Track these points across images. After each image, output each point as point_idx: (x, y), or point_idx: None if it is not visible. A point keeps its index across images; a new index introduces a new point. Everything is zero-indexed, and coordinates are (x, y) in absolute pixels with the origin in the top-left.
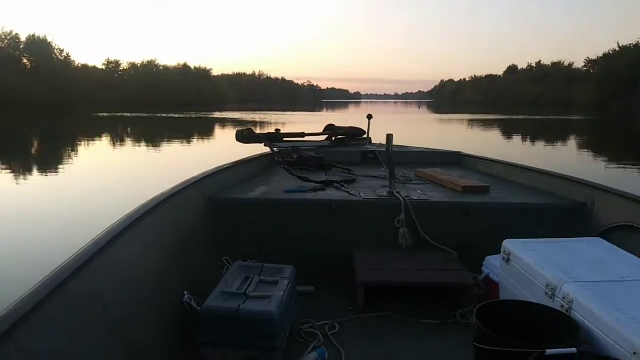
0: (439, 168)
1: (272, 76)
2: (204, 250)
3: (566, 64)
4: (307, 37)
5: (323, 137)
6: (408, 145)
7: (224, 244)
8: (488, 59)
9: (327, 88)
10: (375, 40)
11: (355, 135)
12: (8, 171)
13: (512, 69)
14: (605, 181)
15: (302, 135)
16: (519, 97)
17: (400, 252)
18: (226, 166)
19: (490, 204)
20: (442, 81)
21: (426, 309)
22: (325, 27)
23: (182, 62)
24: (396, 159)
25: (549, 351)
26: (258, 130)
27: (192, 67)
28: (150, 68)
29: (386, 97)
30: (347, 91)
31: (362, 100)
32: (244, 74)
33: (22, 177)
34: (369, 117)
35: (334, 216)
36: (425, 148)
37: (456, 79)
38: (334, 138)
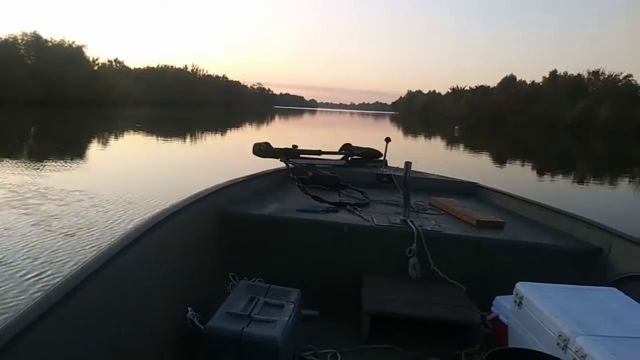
0: (453, 198)
1: (212, 73)
2: (210, 264)
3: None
4: (263, 38)
5: (339, 156)
6: (423, 171)
7: (232, 259)
8: (462, 72)
9: (281, 93)
10: (334, 48)
11: (371, 156)
12: None
13: (509, 81)
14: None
15: (319, 152)
16: (550, 116)
17: (409, 282)
18: (240, 179)
19: (504, 240)
20: (409, 92)
21: (431, 344)
22: (283, 30)
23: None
24: (411, 184)
25: None
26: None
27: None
28: None
29: (342, 106)
30: (303, 98)
31: (318, 109)
32: (171, 67)
33: None
34: (387, 140)
35: (345, 240)
36: (440, 176)
37: (424, 91)
38: (349, 158)
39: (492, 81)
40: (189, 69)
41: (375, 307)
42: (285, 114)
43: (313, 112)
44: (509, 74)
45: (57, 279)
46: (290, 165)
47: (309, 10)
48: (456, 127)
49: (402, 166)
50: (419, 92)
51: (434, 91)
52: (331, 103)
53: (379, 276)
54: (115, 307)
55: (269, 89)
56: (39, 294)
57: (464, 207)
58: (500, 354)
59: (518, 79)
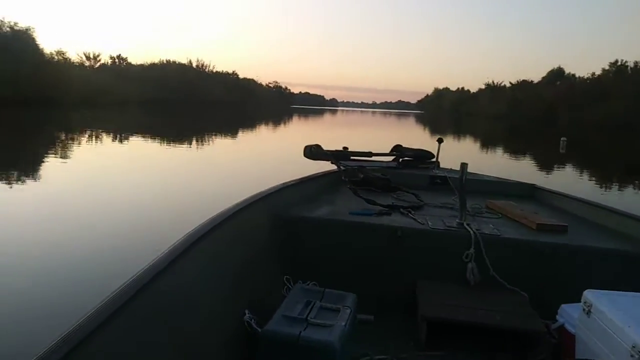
0: (511, 200)
1: (221, 70)
2: (265, 267)
3: None
4: (282, 36)
5: (390, 158)
6: (477, 173)
7: (285, 262)
8: (494, 68)
9: (300, 92)
10: (355, 46)
11: (423, 158)
12: None
13: (556, 74)
14: None
15: (370, 154)
16: (623, 115)
17: (467, 288)
18: (292, 182)
19: (568, 245)
20: (436, 89)
21: (492, 353)
22: (303, 28)
23: None
24: (466, 187)
25: None
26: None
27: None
28: None
29: (363, 105)
30: (323, 97)
31: (339, 108)
32: (174, 62)
33: None
34: (440, 140)
35: (399, 243)
36: (496, 177)
37: (452, 89)
38: (401, 159)
39: (532, 76)
40: (194, 65)
41: (432, 312)
42: (305, 113)
43: (334, 111)
44: (555, 66)
45: (122, 281)
46: (341, 167)
47: (330, 7)
48: (563, 140)
49: (455, 167)
50: (447, 89)
51: (463, 88)
52: (352, 102)
53: (435, 281)
54: (176, 310)
55: (286, 88)
56: (104, 296)
57: (523, 209)
58: None
59: (566, 72)
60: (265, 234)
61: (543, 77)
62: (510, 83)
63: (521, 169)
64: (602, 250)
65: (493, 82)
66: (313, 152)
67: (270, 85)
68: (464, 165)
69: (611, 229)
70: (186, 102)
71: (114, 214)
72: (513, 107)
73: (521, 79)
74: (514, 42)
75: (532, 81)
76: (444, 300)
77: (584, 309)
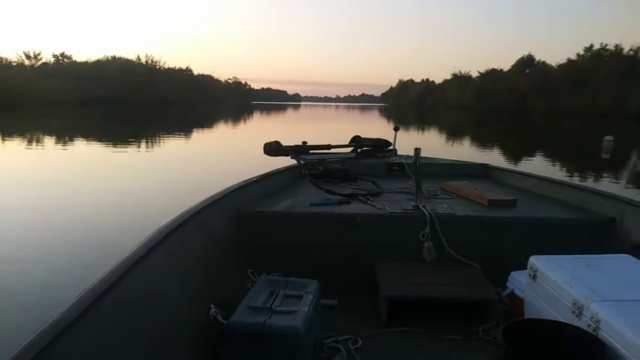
0: (465, 181)
1: (174, 66)
2: (230, 262)
3: None
4: (241, 31)
5: (349, 149)
6: (434, 157)
7: (250, 256)
8: (459, 58)
9: (262, 88)
10: (316, 41)
11: (381, 146)
12: None
13: (526, 62)
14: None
15: (328, 147)
16: (602, 104)
17: (425, 266)
18: (254, 179)
19: (516, 218)
20: (400, 81)
21: (449, 323)
22: (266, 26)
23: None
24: (422, 170)
25: None
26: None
27: None
28: None
29: (327, 99)
30: (285, 92)
31: (302, 103)
32: (119, 58)
33: None
34: (396, 129)
35: (359, 229)
36: (451, 160)
37: (417, 80)
38: (359, 150)
39: (501, 64)
40: (143, 61)
41: (392, 291)
42: (267, 109)
43: (297, 106)
44: (525, 54)
45: (90, 280)
46: (301, 161)
47: (291, 2)
48: (607, 140)
49: (412, 154)
50: (412, 81)
51: (428, 80)
52: (316, 97)
53: (394, 262)
54: (143, 307)
55: (246, 83)
56: (72, 295)
57: (477, 188)
58: (516, 326)
59: (537, 59)
60: (229, 230)
61: (512, 66)
62: (479, 72)
63: None
64: (546, 220)
65: (460, 72)
66: (273, 148)
67: (229, 81)
68: (417, 150)
69: (557, 200)
70: (134, 101)
71: (73, 218)
72: (481, 98)
73: (490, 68)
74: (479, 31)
75: (501, 69)
76: (403, 279)
77: (530, 274)
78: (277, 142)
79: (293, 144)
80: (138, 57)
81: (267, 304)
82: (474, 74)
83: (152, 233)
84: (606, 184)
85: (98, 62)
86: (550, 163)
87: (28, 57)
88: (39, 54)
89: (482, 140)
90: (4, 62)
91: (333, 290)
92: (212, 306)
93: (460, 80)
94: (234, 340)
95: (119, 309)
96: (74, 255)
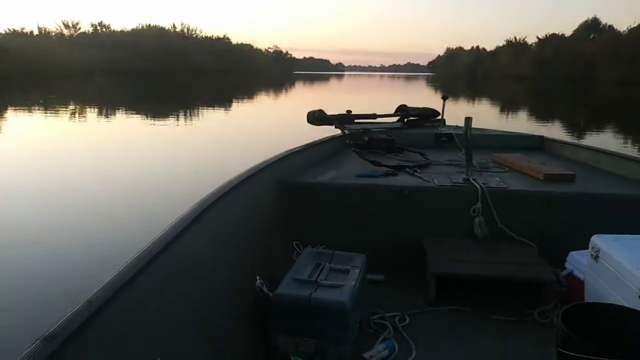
0: (519, 153)
1: (208, 35)
2: (274, 234)
3: None
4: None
5: (395, 119)
6: (485, 128)
7: (294, 228)
8: (505, 28)
9: (305, 57)
10: (360, 9)
11: (428, 116)
12: None
13: (591, 27)
14: None
15: (374, 116)
16: None
17: (476, 242)
18: (297, 149)
19: (575, 194)
20: (448, 49)
21: (502, 304)
22: None
23: None
24: (473, 142)
25: None
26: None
27: None
28: None
29: (371, 69)
30: (328, 61)
31: (346, 73)
32: (155, 26)
33: None
34: (444, 97)
35: (406, 203)
36: (504, 131)
37: (466, 48)
38: (406, 119)
39: (562, 29)
40: (179, 29)
41: (441, 268)
42: (309, 79)
43: (340, 76)
44: (590, 17)
45: (134, 252)
46: (345, 131)
47: None
48: None
49: (461, 124)
50: (461, 49)
51: (478, 47)
52: (359, 66)
53: (443, 237)
54: (188, 278)
55: (287, 52)
56: (118, 265)
57: (530, 161)
58: (577, 310)
59: (602, 22)
60: (272, 201)
61: (575, 31)
62: (538, 38)
63: None
64: (608, 196)
65: (515, 38)
66: (316, 117)
67: (269, 50)
68: (468, 120)
69: (618, 175)
70: (168, 71)
71: (119, 190)
72: (540, 67)
73: (549, 33)
74: None
75: (562, 35)
76: (453, 256)
77: (591, 254)
78: (320, 111)
79: (337, 113)
80: (173, 25)
81: (312, 277)
82: (530, 40)
83: (194, 204)
84: None
85: (133, 31)
86: (622, 140)
87: (67, 26)
88: (77, 24)
89: (539, 113)
90: (42, 32)
91: (380, 265)
92: (257, 278)
93: (515, 47)
94: (279, 313)
95: (163, 280)
96: (115, 230)
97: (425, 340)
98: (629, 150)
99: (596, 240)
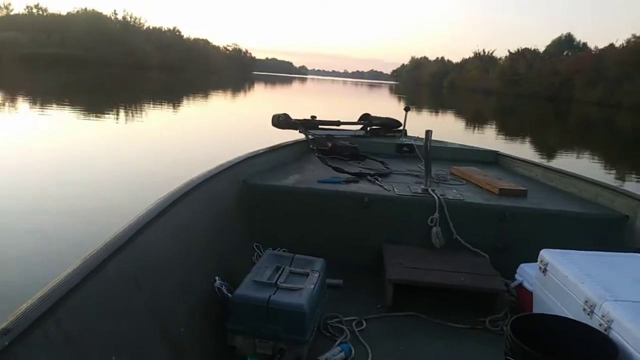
0: (475, 167)
1: (153, 27)
2: (235, 235)
3: None
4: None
5: (358, 127)
6: (443, 140)
7: (256, 230)
8: (473, 42)
9: (267, 58)
10: (325, 13)
11: (391, 126)
12: None
13: (563, 42)
14: None
15: (338, 123)
16: None
17: (432, 251)
18: (261, 151)
19: (527, 209)
20: (413, 58)
21: (455, 311)
22: None
23: None
24: (432, 154)
25: None
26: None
27: None
28: None
29: (335, 73)
30: (291, 64)
31: (309, 76)
32: (92, 11)
33: None
34: (407, 109)
35: (366, 210)
36: (461, 145)
37: (431, 58)
38: (369, 128)
39: (533, 44)
40: (120, 17)
41: (398, 275)
42: (270, 81)
43: (303, 79)
44: (563, 33)
45: (91, 249)
46: (310, 136)
47: None
48: None
49: (422, 135)
50: (425, 59)
51: (443, 58)
52: (323, 70)
53: (401, 245)
54: (147, 276)
55: (247, 51)
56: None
57: (486, 175)
58: (525, 320)
59: (576, 40)
60: (234, 202)
61: (548, 46)
62: (509, 52)
63: None
64: (559, 213)
65: (483, 50)
66: (281, 121)
67: (228, 48)
68: (428, 133)
69: (568, 193)
70: (104, 62)
71: (76, 187)
72: (511, 81)
73: (522, 47)
74: (503, 8)
75: (537, 50)
76: (410, 264)
77: (540, 268)
78: (285, 115)
79: (302, 118)
80: (114, 11)
81: (272, 279)
82: (499, 54)
83: (155, 202)
84: None
85: (66, 15)
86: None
87: None
88: (9, 4)
89: (506, 129)
90: None
91: (339, 270)
92: (216, 278)
93: (483, 60)
94: (238, 314)
95: (122, 277)
96: (70, 227)
97: (381, 345)
98: (588, 169)
99: (545, 254)
